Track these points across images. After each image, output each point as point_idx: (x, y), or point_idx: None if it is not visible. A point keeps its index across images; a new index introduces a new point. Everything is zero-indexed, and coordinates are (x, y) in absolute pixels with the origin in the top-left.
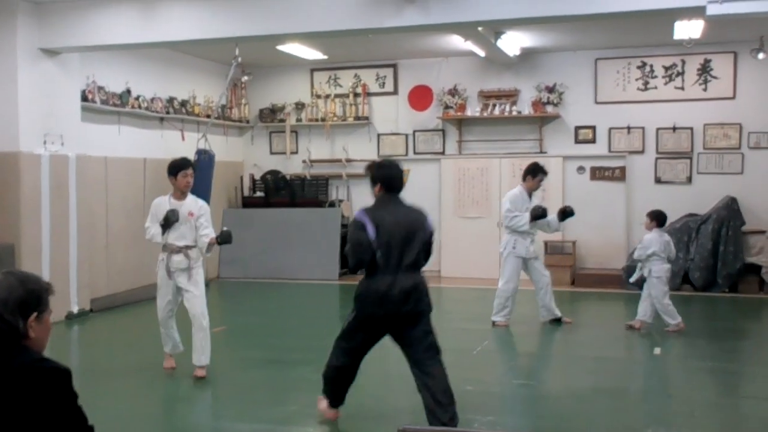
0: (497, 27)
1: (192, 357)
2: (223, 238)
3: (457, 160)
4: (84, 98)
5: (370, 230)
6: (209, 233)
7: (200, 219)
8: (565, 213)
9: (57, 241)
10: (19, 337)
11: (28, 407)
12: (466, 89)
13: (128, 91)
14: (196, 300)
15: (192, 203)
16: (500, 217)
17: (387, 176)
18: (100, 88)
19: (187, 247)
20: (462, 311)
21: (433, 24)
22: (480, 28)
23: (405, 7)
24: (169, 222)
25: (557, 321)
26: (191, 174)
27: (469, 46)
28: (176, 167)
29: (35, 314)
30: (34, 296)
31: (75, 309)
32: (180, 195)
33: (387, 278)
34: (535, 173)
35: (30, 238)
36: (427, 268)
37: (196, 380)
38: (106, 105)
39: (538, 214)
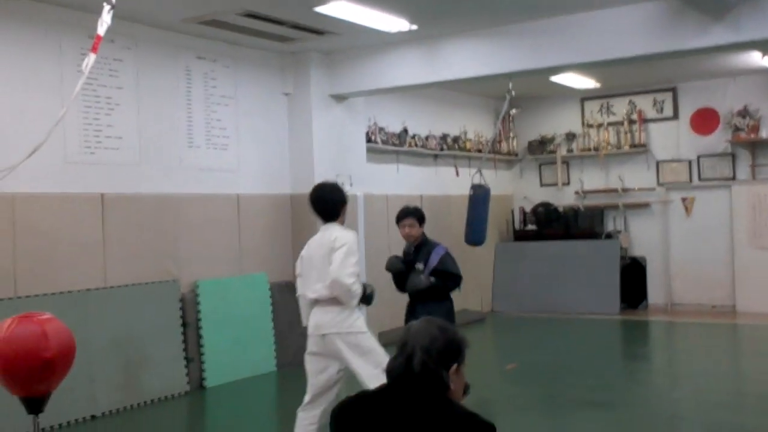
0: None
1: None
2: None
3: (752, 185)
4: (367, 140)
5: None
6: None
7: None
8: None
9: None
10: (444, 388)
11: None
12: (759, 109)
13: (405, 131)
14: None
15: None
16: None
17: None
18: (381, 129)
19: None
20: None
21: (744, 42)
22: None
23: (711, 25)
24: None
25: None
26: None
27: (766, 62)
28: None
29: (455, 366)
30: (454, 347)
31: None
32: None
33: None
34: None
35: None
36: (719, 303)
37: None
38: (386, 145)
39: None
